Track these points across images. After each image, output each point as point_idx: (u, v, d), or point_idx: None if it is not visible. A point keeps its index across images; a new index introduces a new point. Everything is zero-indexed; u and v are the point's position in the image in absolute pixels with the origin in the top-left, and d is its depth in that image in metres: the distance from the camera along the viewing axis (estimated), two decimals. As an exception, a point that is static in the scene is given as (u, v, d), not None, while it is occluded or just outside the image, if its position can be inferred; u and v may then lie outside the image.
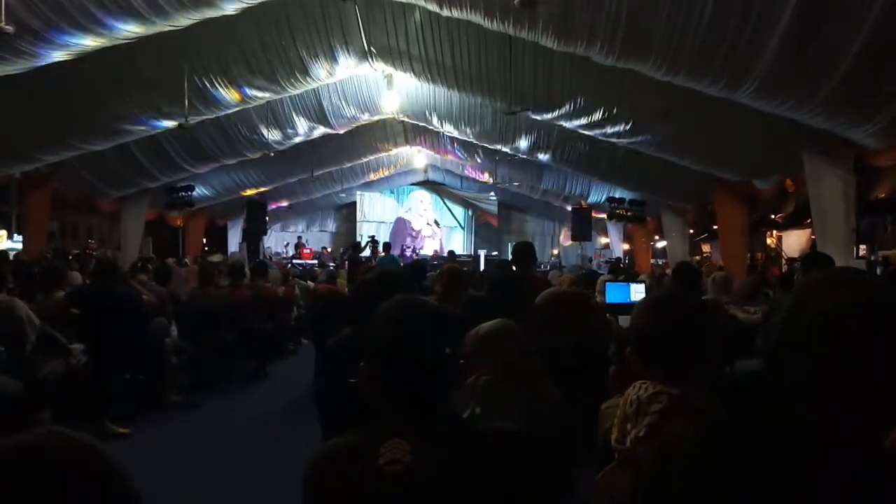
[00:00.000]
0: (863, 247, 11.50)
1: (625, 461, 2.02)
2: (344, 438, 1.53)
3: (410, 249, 23.64)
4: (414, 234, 25.35)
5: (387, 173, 22.86)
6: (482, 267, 19.26)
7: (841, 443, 1.05)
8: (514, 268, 6.03)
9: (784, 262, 15.23)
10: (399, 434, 1.43)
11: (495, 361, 2.47)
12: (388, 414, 1.50)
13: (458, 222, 26.67)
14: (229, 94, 10.87)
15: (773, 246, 17.24)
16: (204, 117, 11.54)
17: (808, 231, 12.87)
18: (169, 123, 11.22)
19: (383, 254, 15.40)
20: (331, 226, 27.41)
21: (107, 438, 5.96)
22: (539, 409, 2.33)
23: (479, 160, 19.06)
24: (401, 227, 25.50)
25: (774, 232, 17.18)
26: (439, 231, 26.15)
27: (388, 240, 20.59)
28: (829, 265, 4.83)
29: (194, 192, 15.56)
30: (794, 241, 16.10)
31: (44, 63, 7.72)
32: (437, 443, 1.44)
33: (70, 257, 13.81)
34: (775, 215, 15.33)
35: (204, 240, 19.71)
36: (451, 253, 19.15)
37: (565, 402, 2.55)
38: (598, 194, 17.97)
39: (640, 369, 2.09)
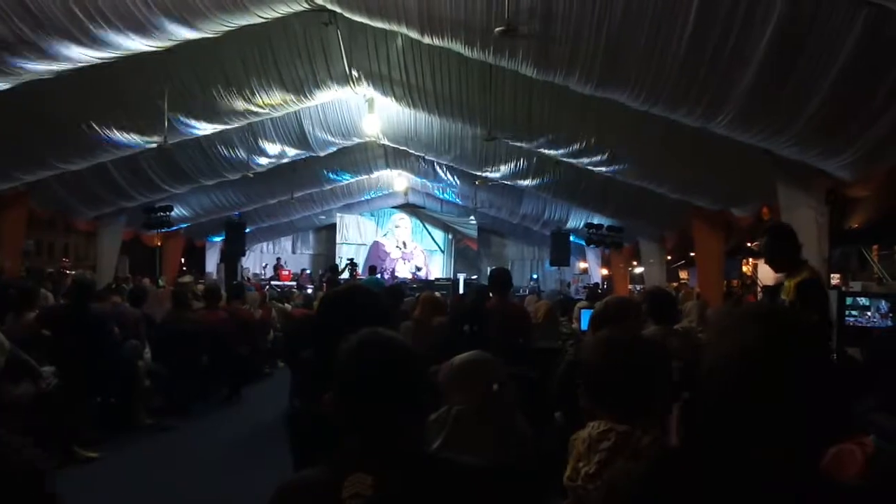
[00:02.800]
0: (836, 276, 11.66)
1: (575, 499, 2.05)
2: (309, 472, 1.53)
3: (389, 273, 23.59)
4: (383, 256, 25.26)
5: (367, 196, 22.92)
6: (461, 290, 19.26)
7: (775, 472, 1.08)
8: (490, 293, 6.05)
9: (759, 289, 15.35)
10: (362, 468, 1.43)
11: (467, 393, 2.47)
12: (353, 447, 1.50)
13: (438, 246, 26.68)
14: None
15: (748, 273, 17.39)
16: (183, 138, 11.52)
17: (783, 259, 12.97)
18: (148, 143, 11.16)
19: (363, 276, 15.43)
20: (310, 247, 27.32)
21: (75, 463, 5.88)
22: (509, 442, 2.34)
23: (458, 185, 19.14)
24: (375, 251, 25.43)
25: (750, 260, 17.33)
26: (410, 251, 26.02)
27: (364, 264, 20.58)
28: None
29: (172, 213, 15.47)
30: (768, 270, 16.17)
31: (20, 81, 7.69)
32: (400, 477, 1.43)
33: (44, 277, 13.64)
34: (751, 243, 15.46)
35: (182, 260, 19.55)
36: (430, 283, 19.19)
37: (537, 434, 2.56)
38: (576, 220, 18.09)
39: (590, 407, 2.12)
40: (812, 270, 4.43)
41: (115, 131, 10.55)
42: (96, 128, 10.23)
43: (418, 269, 24.80)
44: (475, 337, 3.53)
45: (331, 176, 18.23)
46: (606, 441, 1.99)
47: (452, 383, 2.58)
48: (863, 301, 7.01)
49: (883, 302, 6.77)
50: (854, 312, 6.88)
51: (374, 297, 3.23)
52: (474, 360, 2.65)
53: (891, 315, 6.10)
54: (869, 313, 6.80)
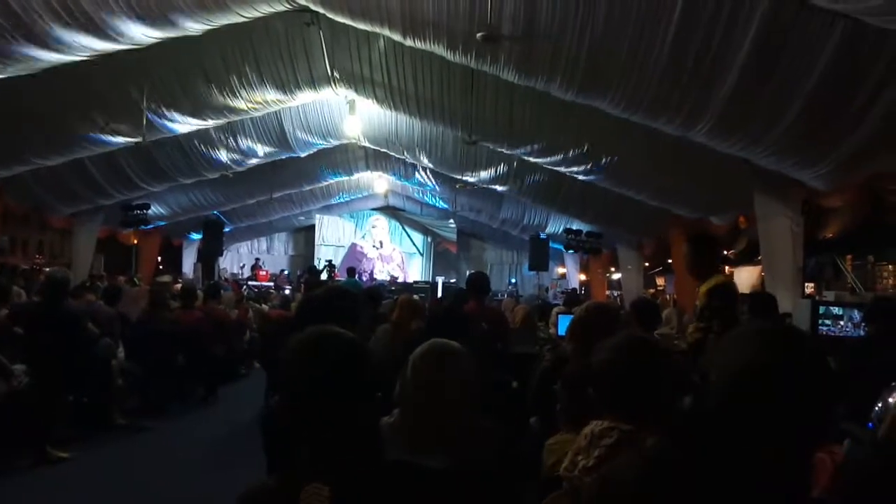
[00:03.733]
0: (810, 285, 11.78)
1: (570, 489, 2.07)
2: (265, 482, 1.48)
3: (368, 274, 23.51)
4: (360, 258, 25.14)
5: (347, 198, 22.85)
6: (440, 294, 19.25)
7: (765, 478, 1.10)
8: (468, 297, 6.05)
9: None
10: (318, 477, 1.38)
11: (424, 387, 2.40)
12: (308, 454, 1.43)
13: (417, 249, 26.66)
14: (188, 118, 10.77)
15: (725, 281, 17.52)
16: (162, 136, 11.42)
17: (759, 268, 13.14)
18: (125, 141, 11.05)
19: (341, 278, 15.40)
20: (289, 248, 27.20)
21: (47, 463, 5.80)
22: (471, 442, 2.29)
23: (438, 188, 19.14)
24: (353, 252, 25.33)
25: (727, 268, 17.48)
26: (389, 254, 25.95)
27: (341, 266, 20.46)
28: (773, 304, 4.95)
29: (150, 211, 15.33)
30: (745, 278, 16.36)
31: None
32: (358, 486, 1.39)
33: (17, 274, 13.44)
34: (728, 251, 15.61)
35: (159, 258, 19.37)
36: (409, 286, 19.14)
37: (502, 435, 2.53)
38: (555, 225, 18.14)
39: (600, 406, 2.17)
40: (725, 277, 4.49)
41: (93, 128, 10.43)
42: (74, 124, 10.13)
43: (395, 278, 24.74)
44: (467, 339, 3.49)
45: (320, 171, 18.06)
46: (608, 438, 2.04)
47: (410, 377, 2.52)
48: (836, 310, 7.09)
49: (855, 311, 6.86)
50: (827, 322, 6.96)
51: (353, 300, 3.22)
52: (432, 351, 2.60)
53: (863, 325, 6.17)
54: (842, 322, 6.89)
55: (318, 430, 1.42)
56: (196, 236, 19.91)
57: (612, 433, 2.05)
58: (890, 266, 12.92)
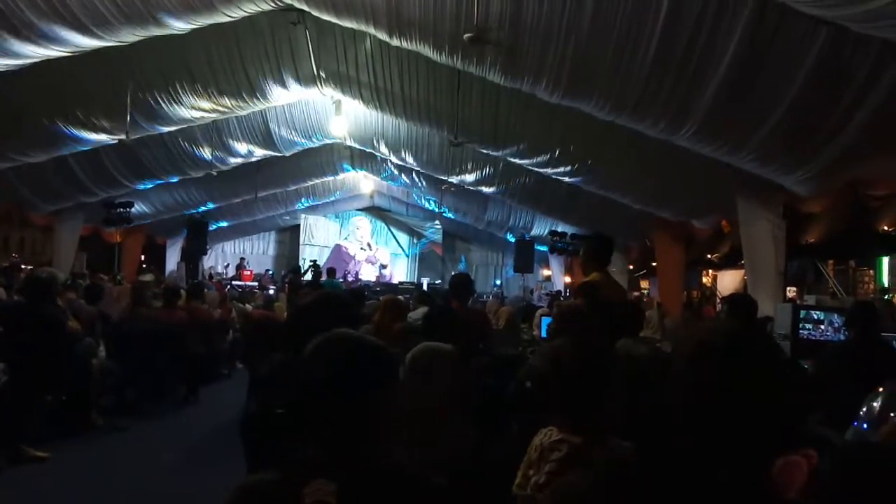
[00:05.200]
0: (792, 289, 11.87)
1: None
2: (267, 476, 1.48)
3: (353, 275, 23.44)
4: (347, 259, 25.05)
5: (332, 198, 22.78)
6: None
7: (727, 488, 1.09)
8: (451, 299, 6.03)
9: (718, 301, 15.59)
10: (324, 474, 1.39)
11: (413, 393, 2.40)
12: (314, 452, 1.45)
13: (403, 249, 26.62)
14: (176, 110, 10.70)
15: (708, 285, 17.64)
16: (146, 133, 11.34)
17: (741, 272, 13.22)
18: (109, 138, 10.96)
19: (324, 279, 15.34)
20: (274, 248, 27.07)
21: (24, 462, 5.74)
22: (453, 444, 2.28)
23: (424, 189, 19.13)
24: (338, 253, 25.23)
25: (710, 271, 17.58)
26: (374, 252, 25.89)
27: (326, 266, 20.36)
28: (753, 306, 4.97)
29: (133, 209, 15.21)
30: (728, 281, 16.49)
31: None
32: (363, 485, 1.40)
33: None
34: (711, 255, 15.70)
35: (142, 257, 19.23)
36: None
37: (484, 438, 2.53)
38: (541, 227, 18.18)
39: (546, 414, 2.11)
40: (603, 276, 4.55)
41: (77, 125, 10.35)
42: (57, 121, 10.04)
43: (383, 266, 24.68)
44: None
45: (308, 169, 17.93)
46: (558, 452, 1.97)
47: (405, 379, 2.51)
48: (817, 314, 7.12)
49: (836, 316, 6.90)
50: (808, 326, 7.00)
51: (351, 307, 3.23)
52: (424, 354, 2.59)
53: (843, 329, 6.21)
54: (822, 327, 6.92)
55: (329, 427, 1.45)
56: (180, 235, 19.79)
57: (562, 446, 1.98)
58: (871, 271, 13.06)
